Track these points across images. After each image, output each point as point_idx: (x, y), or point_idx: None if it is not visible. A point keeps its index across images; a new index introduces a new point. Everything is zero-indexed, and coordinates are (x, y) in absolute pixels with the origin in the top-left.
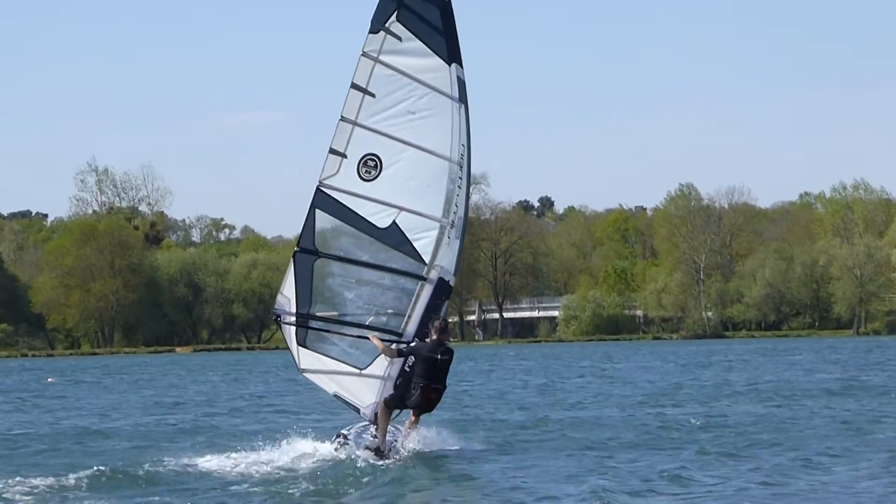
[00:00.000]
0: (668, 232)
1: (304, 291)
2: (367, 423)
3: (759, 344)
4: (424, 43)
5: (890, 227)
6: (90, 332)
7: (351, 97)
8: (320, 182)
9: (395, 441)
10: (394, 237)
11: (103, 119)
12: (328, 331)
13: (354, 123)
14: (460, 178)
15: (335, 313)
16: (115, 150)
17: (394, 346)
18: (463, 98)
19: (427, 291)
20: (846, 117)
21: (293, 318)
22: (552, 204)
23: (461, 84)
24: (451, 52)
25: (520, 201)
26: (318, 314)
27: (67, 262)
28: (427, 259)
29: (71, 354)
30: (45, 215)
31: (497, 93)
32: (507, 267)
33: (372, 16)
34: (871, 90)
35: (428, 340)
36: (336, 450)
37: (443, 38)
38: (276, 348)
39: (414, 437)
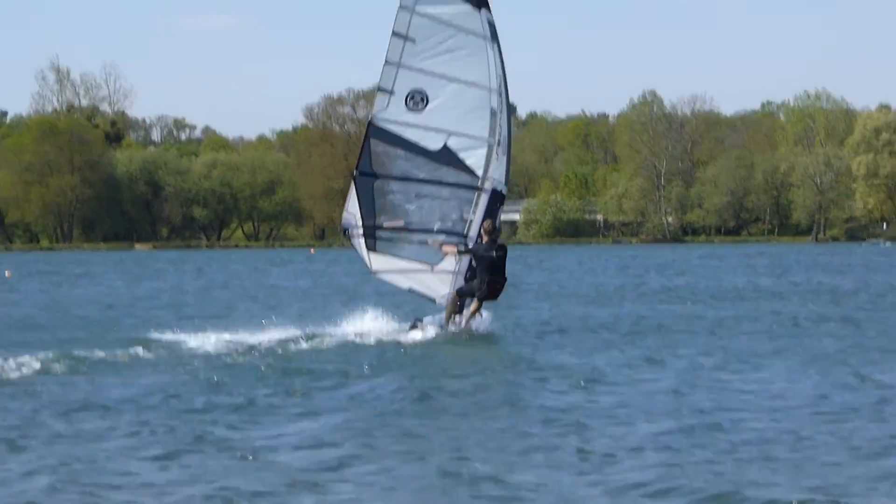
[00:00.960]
0: (629, 139)
1: (368, 207)
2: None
3: (707, 249)
4: None
5: (850, 137)
6: (49, 228)
7: (393, 43)
8: (372, 117)
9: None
10: (446, 157)
11: (67, 17)
12: (393, 239)
13: (398, 65)
14: (501, 103)
15: (401, 222)
16: (79, 49)
17: (453, 247)
18: (494, 37)
19: (484, 200)
20: (810, 26)
21: (360, 231)
22: (515, 109)
23: (492, 26)
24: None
25: None
26: (385, 225)
27: (26, 158)
28: (480, 173)
29: (30, 249)
30: (5, 112)
31: None
32: None
33: None
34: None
35: (483, 241)
36: (410, 328)
37: None
38: (236, 247)
39: (473, 321)
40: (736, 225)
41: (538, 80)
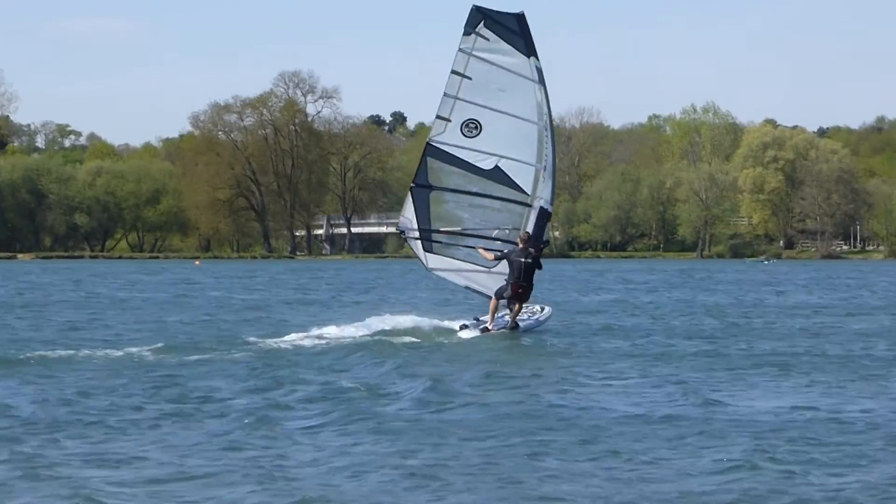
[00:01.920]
0: None
1: (423, 214)
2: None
3: (586, 265)
4: (507, 42)
5: (736, 151)
6: None
7: (451, 80)
8: (430, 139)
9: (504, 323)
10: (498, 176)
11: None
12: (449, 243)
13: (456, 98)
14: (547, 136)
15: (457, 228)
16: None
17: (491, 254)
18: (542, 81)
19: (532, 215)
20: (698, 40)
21: (416, 234)
22: (404, 119)
23: (539, 71)
24: (528, 49)
25: (371, 116)
26: (441, 229)
27: None
28: (529, 191)
29: None
30: None
31: (353, 6)
32: (357, 182)
33: (465, 22)
34: (723, 18)
35: (517, 248)
36: (460, 328)
37: (521, 39)
38: (120, 257)
39: (512, 321)
40: (622, 240)
41: (427, 90)
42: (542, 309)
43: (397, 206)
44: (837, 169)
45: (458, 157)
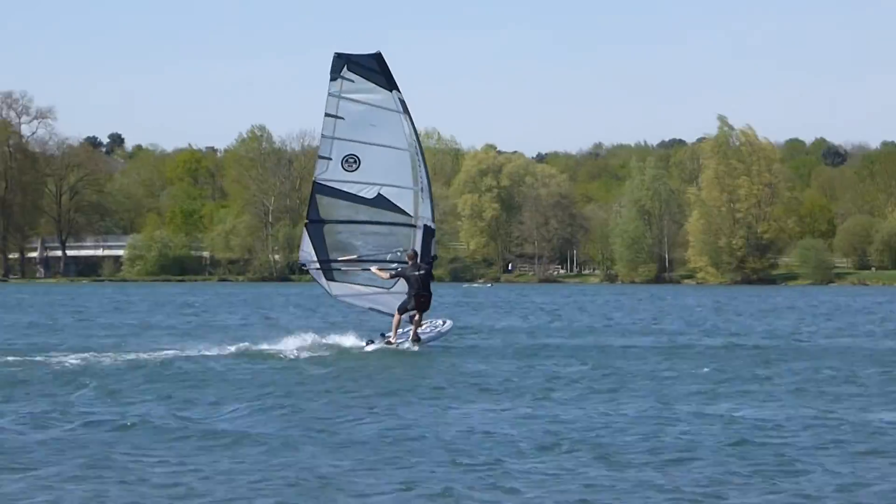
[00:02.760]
0: (238, 174)
1: (320, 246)
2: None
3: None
4: (370, 81)
5: (457, 177)
6: None
7: (326, 122)
8: (316, 178)
9: (406, 336)
10: (382, 202)
11: None
12: (348, 270)
13: (333, 138)
14: (419, 159)
15: (354, 255)
16: None
17: (386, 273)
18: (406, 111)
19: (419, 234)
20: (423, 64)
21: (317, 265)
22: (122, 141)
23: (402, 102)
24: (389, 84)
25: (88, 137)
26: (339, 258)
27: None
28: (412, 213)
29: None
30: None
31: (76, 23)
32: (73, 204)
33: (330, 69)
34: (452, 43)
35: (408, 265)
36: (367, 343)
37: (382, 76)
38: None
39: (414, 334)
40: None
41: (145, 111)
42: (444, 322)
43: (115, 229)
44: (556, 194)
45: (343, 191)
